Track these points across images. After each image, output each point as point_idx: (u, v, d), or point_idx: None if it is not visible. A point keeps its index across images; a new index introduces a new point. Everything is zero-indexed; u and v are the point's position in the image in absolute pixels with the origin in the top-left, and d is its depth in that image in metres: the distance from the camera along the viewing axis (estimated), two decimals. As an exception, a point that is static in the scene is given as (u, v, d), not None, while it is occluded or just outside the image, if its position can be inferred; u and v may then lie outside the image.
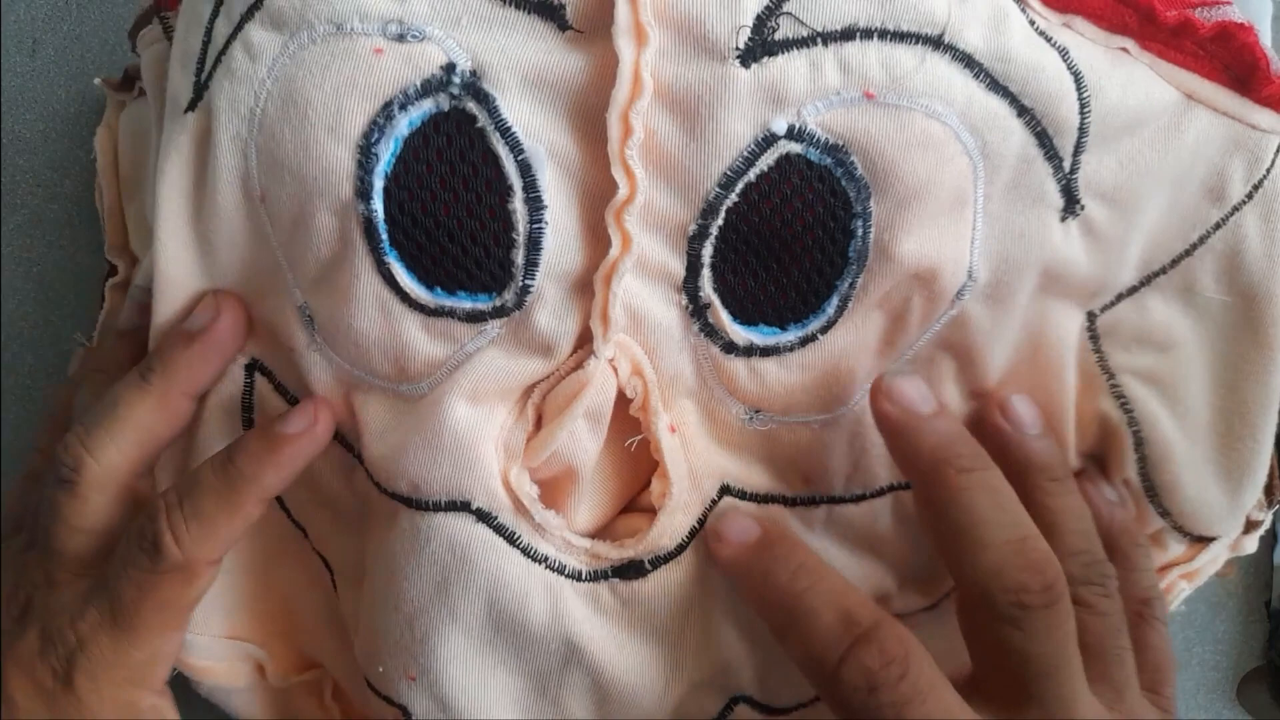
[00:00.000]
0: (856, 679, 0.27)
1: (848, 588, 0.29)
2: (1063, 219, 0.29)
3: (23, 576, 0.31)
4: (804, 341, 0.29)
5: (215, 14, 0.29)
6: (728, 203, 0.28)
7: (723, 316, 0.29)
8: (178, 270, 0.31)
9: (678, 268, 0.29)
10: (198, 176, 0.29)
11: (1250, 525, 0.36)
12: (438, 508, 0.30)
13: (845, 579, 0.29)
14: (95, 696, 0.29)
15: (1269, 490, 0.35)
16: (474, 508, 0.30)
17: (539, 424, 0.30)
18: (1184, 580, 0.36)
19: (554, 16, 0.27)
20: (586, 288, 0.29)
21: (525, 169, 0.27)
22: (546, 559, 0.30)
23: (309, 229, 0.28)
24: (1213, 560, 0.36)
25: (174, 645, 0.31)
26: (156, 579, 0.29)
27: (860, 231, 0.28)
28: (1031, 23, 0.28)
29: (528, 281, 0.28)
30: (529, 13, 0.27)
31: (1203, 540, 0.35)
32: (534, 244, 0.28)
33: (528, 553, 0.30)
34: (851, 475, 0.32)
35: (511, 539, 0.30)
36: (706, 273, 0.29)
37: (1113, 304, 0.32)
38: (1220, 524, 0.34)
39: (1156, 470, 0.34)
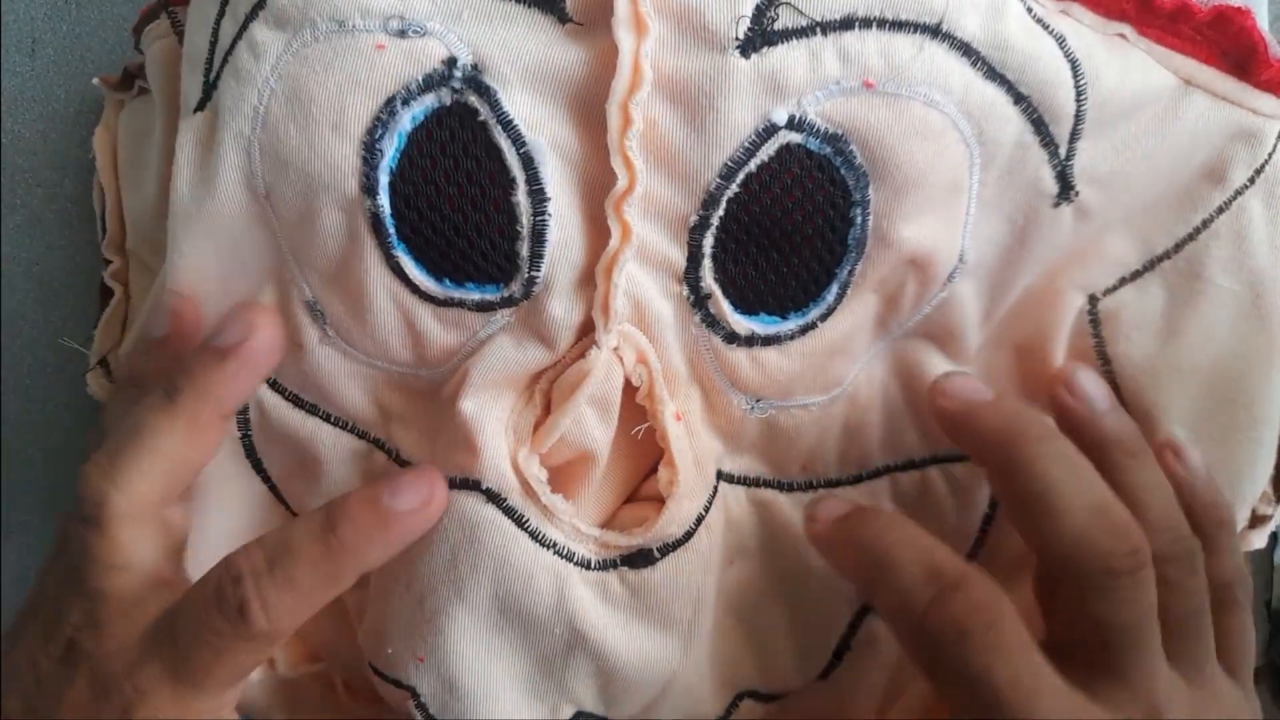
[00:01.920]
0: (945, 627, 0.26)
1: (935, 544, 0.28)
2: (1055, 204, 0.29)
3: (60, 616, 0.28)
4: (804, 330, 0.30)
5: (221, 14, 0.29)
6: (728, 193, 0.28)
7: (724, 307, 0.29)
8: (192, 276, 0.30)
9: (679, 258, 0.29)
10: (204, 176, 0.29)
11: (1258, 520, 0.35)
12: (453, 484, 0.30)
13: (933, 537, 0.29)
14: None
15: (1277, 483, 0.34)
16: (484, 488, 0.30)
17: (548, 409, 0.30)
18: None
19: (554, 9, 0.27)
20: (591, 278, 0.29)
21: (527, 162, 0.27)
22: (555, 545, 0.30)
23: (316, 225, 0.28)
24: None
25: (238, 693, 0.29)
26: (236, 645, 0.27)
27: (859, 219, 0.28)
28: (1029, 10, 0.28)
29: (533, 273, 0.28)
30: (529, 6, 0.27)
31: None
32: (538, 237, 0.28)
33: (535, 537, 0.30)
34: (846, 455, 0.33)
35: (520, 522, 0.30)
36: (707, 263, 0.29)
37: (1115, 288, 0.32)
38: None
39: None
